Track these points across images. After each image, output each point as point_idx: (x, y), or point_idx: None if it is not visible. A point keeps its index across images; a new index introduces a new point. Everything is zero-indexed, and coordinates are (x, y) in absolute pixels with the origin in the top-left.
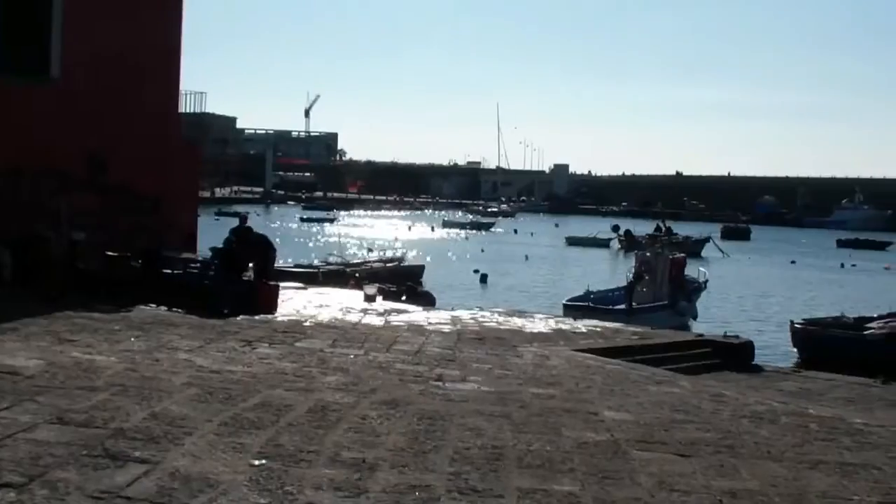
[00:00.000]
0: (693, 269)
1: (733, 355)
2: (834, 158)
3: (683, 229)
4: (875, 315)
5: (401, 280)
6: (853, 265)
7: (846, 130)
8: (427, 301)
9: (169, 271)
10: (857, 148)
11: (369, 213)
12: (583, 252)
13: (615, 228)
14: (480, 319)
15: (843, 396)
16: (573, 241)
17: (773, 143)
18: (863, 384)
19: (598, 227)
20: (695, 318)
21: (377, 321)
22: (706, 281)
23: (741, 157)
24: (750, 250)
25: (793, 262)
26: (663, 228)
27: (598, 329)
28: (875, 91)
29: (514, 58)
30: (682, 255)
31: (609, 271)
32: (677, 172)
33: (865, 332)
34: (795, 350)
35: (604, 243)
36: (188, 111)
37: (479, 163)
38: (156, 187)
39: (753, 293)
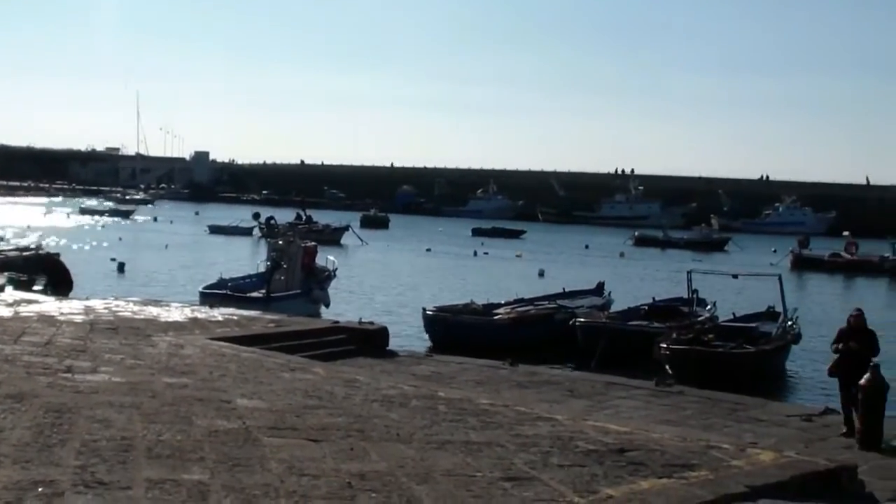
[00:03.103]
0: (322, 258)
1: (368, 341)
2: (471, 151)
3: (324, 217)
4: (503, 301)
5: (35, 270)
6: (486, 253)
7: (483, 123)
8: (65, 278)
9: None
10: (493, 141)
11: (1, 199)
12: (226, 240)
13: (255, 216)
14: (115, 309)
15: (472, 379)
16: (216, 230)
17: (420, 135)
18: (492, 367)
19: (240, 214)
20: (327, 305)
21: (6, 312)
22: (336, 269)
23: (404, 148)
24: (388, 238)
25: (428, 249)
26: (303, 216)
27: (235, 317)
28: (516, 85)
29: (152, 41)
30: (314, 243)
31: (251, 259)
32: (301, 161)
33: (494, 318)
34: (428, 335)
35: (246, 231)
36: None
37: (118, 149)
38: None
39: (390, 280)
